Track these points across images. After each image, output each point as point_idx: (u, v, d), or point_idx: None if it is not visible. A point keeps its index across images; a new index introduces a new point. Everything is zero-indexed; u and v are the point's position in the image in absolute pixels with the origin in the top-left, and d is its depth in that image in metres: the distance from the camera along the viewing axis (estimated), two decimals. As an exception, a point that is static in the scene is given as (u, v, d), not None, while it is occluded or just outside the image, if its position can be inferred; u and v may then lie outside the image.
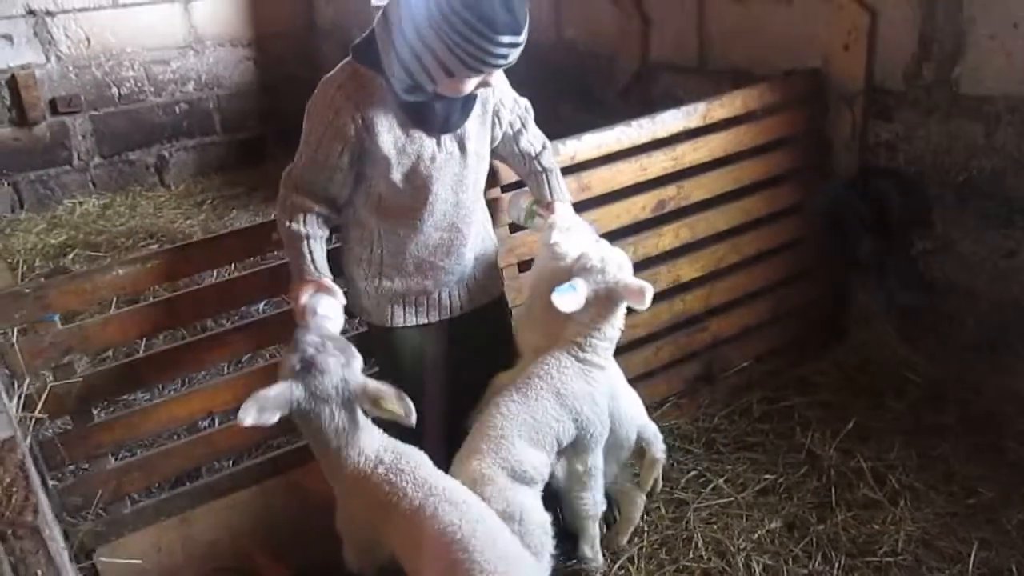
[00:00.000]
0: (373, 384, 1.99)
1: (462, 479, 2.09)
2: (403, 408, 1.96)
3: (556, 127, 2.85)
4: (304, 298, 2.15)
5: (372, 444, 2.03)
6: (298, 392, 1.94)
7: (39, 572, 1.20)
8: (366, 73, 2.07)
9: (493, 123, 2.31)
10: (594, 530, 2.46)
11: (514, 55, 1.94)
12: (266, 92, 6.75)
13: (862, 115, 3.20)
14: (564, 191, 2.48)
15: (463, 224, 2.29)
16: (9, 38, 5.74)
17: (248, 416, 1.87)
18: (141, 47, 6.23)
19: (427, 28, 1.89)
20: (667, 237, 3.03)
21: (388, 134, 2.09)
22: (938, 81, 2.96)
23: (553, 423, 2.23)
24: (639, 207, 2.93)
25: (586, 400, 2.27)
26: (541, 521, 2.16)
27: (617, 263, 2.25)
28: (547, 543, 2.16)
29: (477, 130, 2.24)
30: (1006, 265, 2.91)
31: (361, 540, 2.13)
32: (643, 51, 4.24)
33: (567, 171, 2.76)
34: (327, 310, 2.12)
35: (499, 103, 2.30)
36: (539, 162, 2.43)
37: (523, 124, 2.42)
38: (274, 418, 1.91)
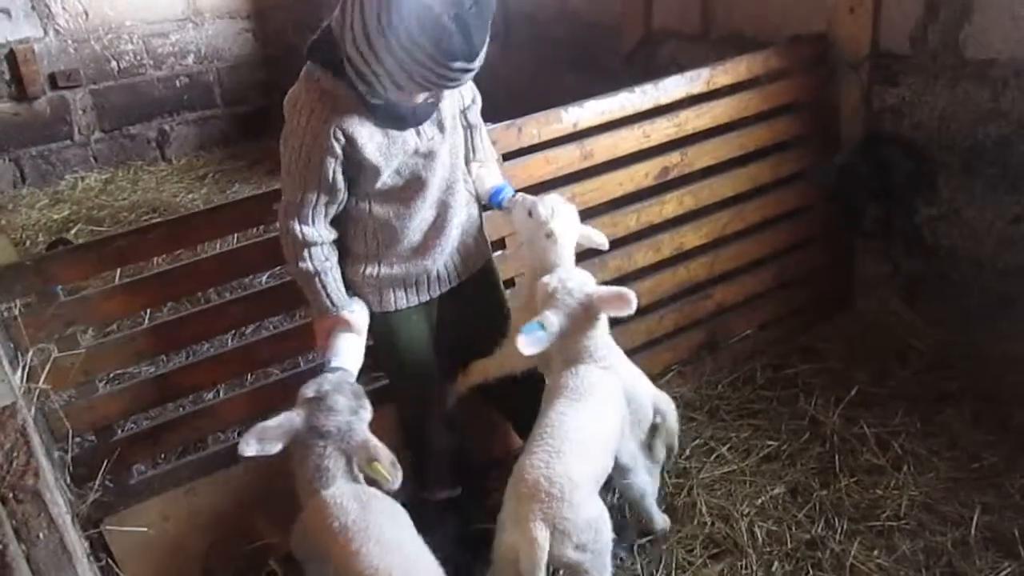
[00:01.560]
0: (375, 442, 1.99)
1: (543, 483, 2.00)
2: (392, 476, 1.96)
3: (561, 98, 2.82)
4: (325, 338, 2.20)
5: (342, 489, 1.99)
6: (299, 422, 1.97)
7: (41, 535, 1.21)
8: (332, 88, 2.00)
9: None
10: (652, 503, 2.51)
11: (466, 78, 1.91)
12: (267, 65, 6.68)
13: (868, 80, 3.16)
14: (489, 150, 2.44)
15: (450, 197, 2.26)
16: (7, 12, 5.69)
17: (248, 448, 1.91)
18: (140, 20, 6.16)
19: (382, 48, 1.83)
20: (671, 205, 3.01)
21: (370, 142, 2.04)
22: (944, 45, 2.93)
23: (611, 428, 2.23)
24: (642, 174, 2.91)
25: (620, 395, 2.31)
26: (609, 524, 2.12)
27: (580, 281, 2.23)
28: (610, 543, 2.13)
29: (449, 104, 2.19)
30: (1012, 231, 2.89)
31: (312, 565, 2.07)
32: (646, 19, 4.19)
33: (570, 139, 2.74)
34: (346, 353, 2.16)
35: None
36: (466, 116, 2.34)
37: None
38: (275, 448, 1.95)
